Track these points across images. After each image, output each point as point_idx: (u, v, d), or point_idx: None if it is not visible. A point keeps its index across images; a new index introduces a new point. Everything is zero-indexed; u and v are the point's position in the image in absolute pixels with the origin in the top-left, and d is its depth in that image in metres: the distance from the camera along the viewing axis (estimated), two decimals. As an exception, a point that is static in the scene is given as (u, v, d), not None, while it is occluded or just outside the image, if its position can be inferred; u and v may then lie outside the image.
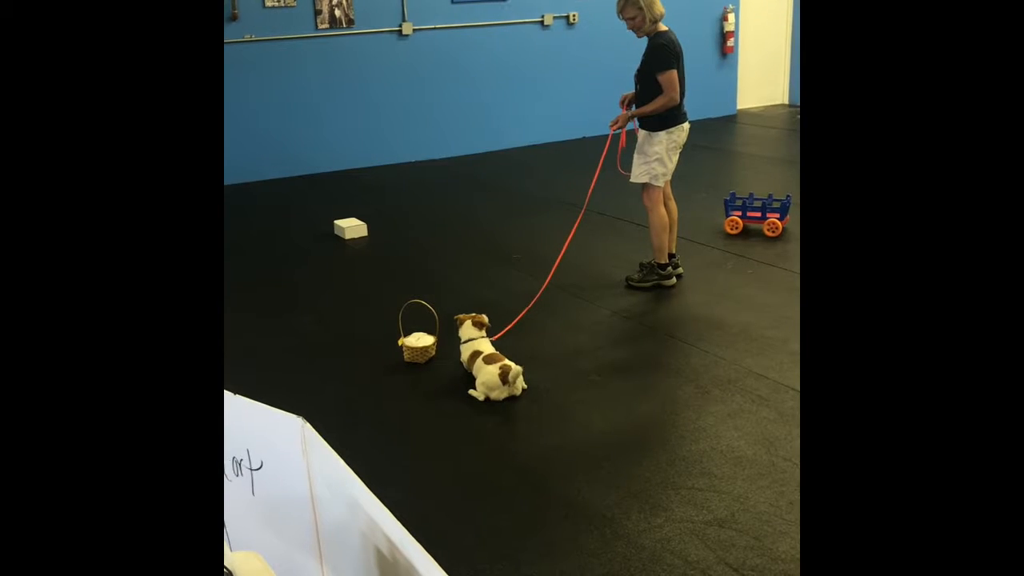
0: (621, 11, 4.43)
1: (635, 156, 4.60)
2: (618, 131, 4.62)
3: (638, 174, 4.57)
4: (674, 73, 4.39)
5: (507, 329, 4.09)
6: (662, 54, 4.38)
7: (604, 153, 4.79)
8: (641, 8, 4.35)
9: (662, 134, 4.48)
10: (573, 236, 4.73)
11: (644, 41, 4.53)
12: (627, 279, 4.78)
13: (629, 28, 4.48)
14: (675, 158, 4.58)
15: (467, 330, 3.82)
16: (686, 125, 4.55)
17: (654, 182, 4.54)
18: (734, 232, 5.67)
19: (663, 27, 4.46)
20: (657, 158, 4.51)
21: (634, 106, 4.61)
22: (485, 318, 3.89)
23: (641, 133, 4.57)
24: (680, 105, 4.47)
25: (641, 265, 4.79)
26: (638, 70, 4.53)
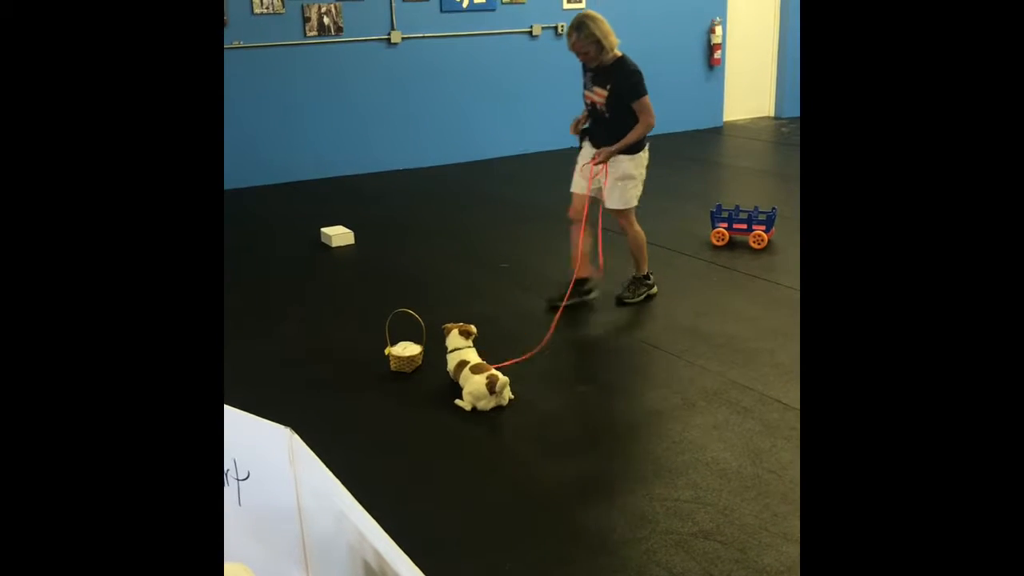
0: (573, 45, 4.24)
1: (611, 183, 4.44)
2: (599, 165, 4.46)
3: (623, 200, 4.44)
4: (649, 98, 4.29)
5: (525, 358, 4.07)
6: (637, 80, 4.27)
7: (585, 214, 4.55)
8: (598, 40, 4.20)
9: (640, 155, 4.43)
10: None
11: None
12: (618, 297, 4.68)
13: (581, 59, 4.33)
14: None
15: (454, 339, 3.81)
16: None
17: (631, 204, 4.47)
18: (720, 244, 5.70)
19: (619, 52, 4.33)
20: (635, 181, 4.45)
21: (604, 138, 4.46)
22: (472, 328, 3.89)
23: (617, 159, 4.41)
24: None
25: (632, 280, 4.72)
26: (607, 99, 4.33)
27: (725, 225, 5.71)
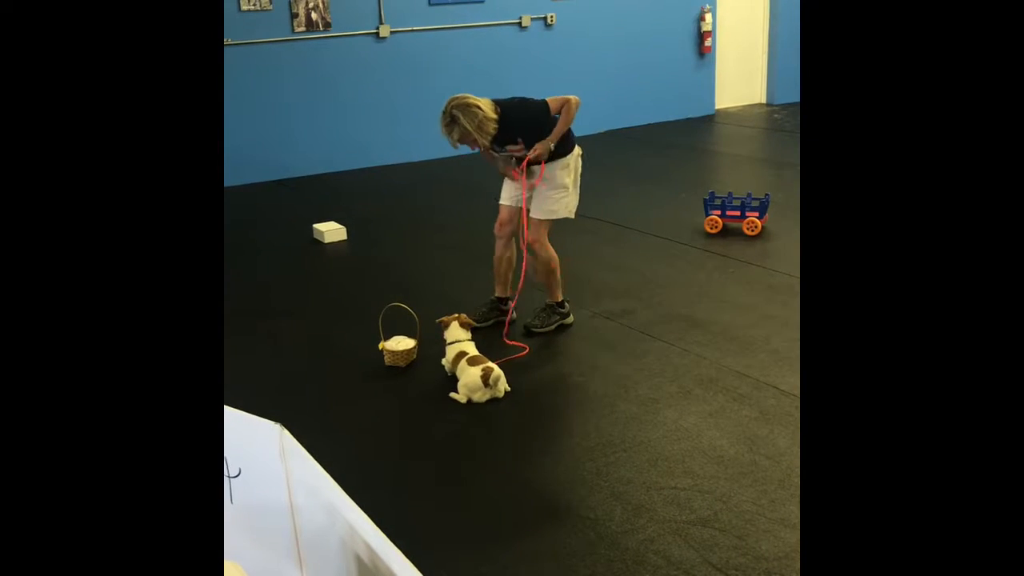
0: (456, 142, 3.90)
1: (542, 192, 4.07)
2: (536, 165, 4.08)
3: (555, 210, 4.07)
4: (550, 100, 4.00)
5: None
6: (534, 111, 3.97)
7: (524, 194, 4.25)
8: (470, 131, 3.81)
9: (570, 158, 4.07)
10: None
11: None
12: (527, 326, 4.21)
13: (471, 146, 3.98)
14: None
15: (454, 331, 3.79)
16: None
17: (558, 215, 4.11)
18: (713, 231, 5.69)
19: (492, 110, 3.88)
20: (567, 191, 4.08)
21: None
22: (472, 320, 3.89)
23: (551, 168, 4.05)
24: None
25: (544, 308, 4.32)
26: (526, 144, 3.97)
27: (718, 212, 5.70)
